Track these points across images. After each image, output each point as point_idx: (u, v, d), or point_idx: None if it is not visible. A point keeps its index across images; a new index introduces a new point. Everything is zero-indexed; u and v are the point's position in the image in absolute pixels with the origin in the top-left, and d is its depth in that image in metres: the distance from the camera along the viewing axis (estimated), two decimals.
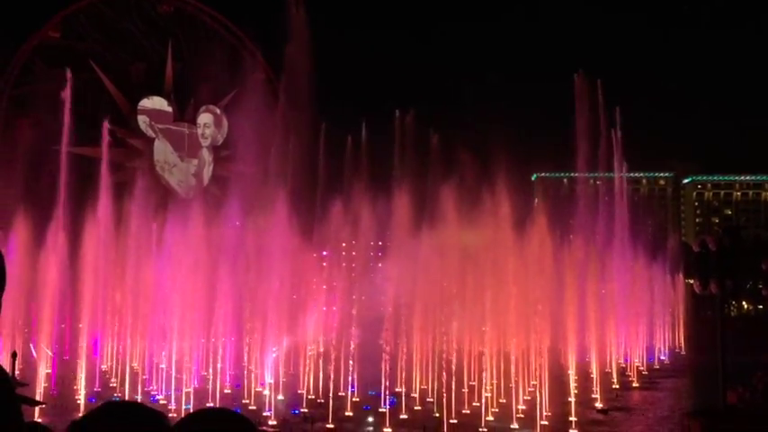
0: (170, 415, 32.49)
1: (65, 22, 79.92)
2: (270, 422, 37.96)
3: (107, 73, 79.61)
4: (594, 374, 52.14)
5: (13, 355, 39.99)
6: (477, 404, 41.27)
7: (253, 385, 46.33)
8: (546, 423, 38.14)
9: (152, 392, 45.90)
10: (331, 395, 40.85)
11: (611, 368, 56.38)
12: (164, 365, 46.53)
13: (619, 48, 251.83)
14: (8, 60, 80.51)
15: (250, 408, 41.40)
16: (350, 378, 44.82)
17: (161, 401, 42.53)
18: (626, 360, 62.81)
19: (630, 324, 71.44)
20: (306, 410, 41.00)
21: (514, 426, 38.52)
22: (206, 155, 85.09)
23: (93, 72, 78.69)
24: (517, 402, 41.24)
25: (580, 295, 71.09)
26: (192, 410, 30.25)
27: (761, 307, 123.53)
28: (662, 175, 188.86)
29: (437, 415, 39.53)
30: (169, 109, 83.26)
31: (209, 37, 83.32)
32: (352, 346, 46.47)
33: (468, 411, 41.11)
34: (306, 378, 47.35)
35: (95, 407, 7.58)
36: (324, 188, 65.08)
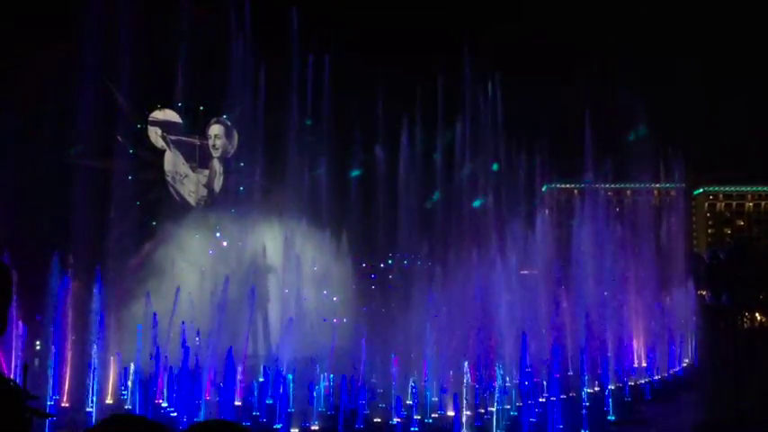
0: None
1: (77, 33, 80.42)
2: None
3: (118, 85, 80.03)
4: (607, 387, 51.74)
5: (25, 368, 39.94)
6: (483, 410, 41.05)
7: None
8: None
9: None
10: None
11: (623, 381, 55.99)
12: None
13: (630, 54, 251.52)
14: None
15: None
16: None
17: None
18: (638, 372, 62.38)
19: (643, 336, 71.10)
20: None
21: None
22: (217, 165, 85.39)
23: (104, 84, 79.11)
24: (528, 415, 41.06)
25: (591, 307, 70.92)
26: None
27: None
28: (673, 185, 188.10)
29: None
30: (180, 120, 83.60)
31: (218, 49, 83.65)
32: None
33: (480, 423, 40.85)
34: None
35: (99, 422, 7.47)
36: None
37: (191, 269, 71.05)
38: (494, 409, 40.25)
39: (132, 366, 47.95)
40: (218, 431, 10.47)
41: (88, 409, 41.89)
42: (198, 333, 51.34)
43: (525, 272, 69.48)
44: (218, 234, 75.01)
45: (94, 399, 43.30)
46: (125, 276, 63.11)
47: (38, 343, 57.52)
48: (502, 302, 61.89)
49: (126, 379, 48.37)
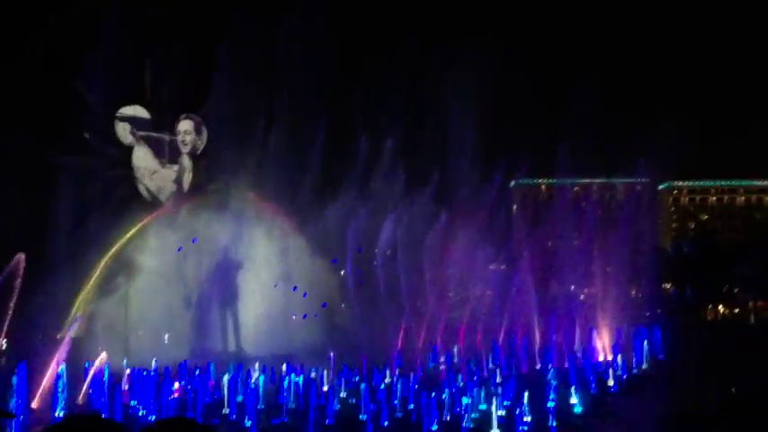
0: None
1: (45, 28, 79.59)
2: None
3: (85, 81, 79.26)
4: (573, 380, 52.44)
5: None
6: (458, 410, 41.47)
7: None
8: (525, 429, 38.39)
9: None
10: None
11: (589, 374, 56.73)
12: None
13: (594, 51, 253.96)
14: None
15: None
16: None
17: None
18: (604, 365, 63.19)
19: (608, 329, 72.05)
20: None
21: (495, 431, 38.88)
22: (186, 161, 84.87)
23: (71, 78, 78.33)
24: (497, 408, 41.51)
25: (559, 300, 71.81)
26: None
27: (737, 311, 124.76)
28: (638, 180, 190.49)
29: None
30: (148, 116, 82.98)
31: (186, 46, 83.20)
32: None
33: (448, 419, 41.25)
34: None
35: (56, 422, 7.59)
36: None
37: (160, 266, 70.74)
38: (464, 404, 40.64)
39: (97, 364, 47.70)
40: (175, 428, 10.62)
41: (57, 412, 41.63)
42: (168, 331, 51.31)
43: (493, 267, 70.22)
44: (194, 240, 74.64)
45: (62, 399, 43.06)
46: (94, 274, 62.73)
47: (3, 342, 57.00)
48: (471, 298, 62.58)
49: (94, 379, 48.03)
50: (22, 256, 47.53)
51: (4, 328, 49.70)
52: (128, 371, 50.76)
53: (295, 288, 65.34)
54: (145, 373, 47.60)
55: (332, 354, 55.17)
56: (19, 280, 47.03)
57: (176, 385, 46.63)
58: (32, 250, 55.75)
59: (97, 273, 67.29)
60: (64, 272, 61.93)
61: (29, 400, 43.00)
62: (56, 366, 44.26)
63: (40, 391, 44.13)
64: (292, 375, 48.50)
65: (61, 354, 45.50)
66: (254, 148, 73.45)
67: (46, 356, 47.79)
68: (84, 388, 46.42)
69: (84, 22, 67.24)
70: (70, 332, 50.59)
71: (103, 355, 49.16)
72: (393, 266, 69.61)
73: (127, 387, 48.63)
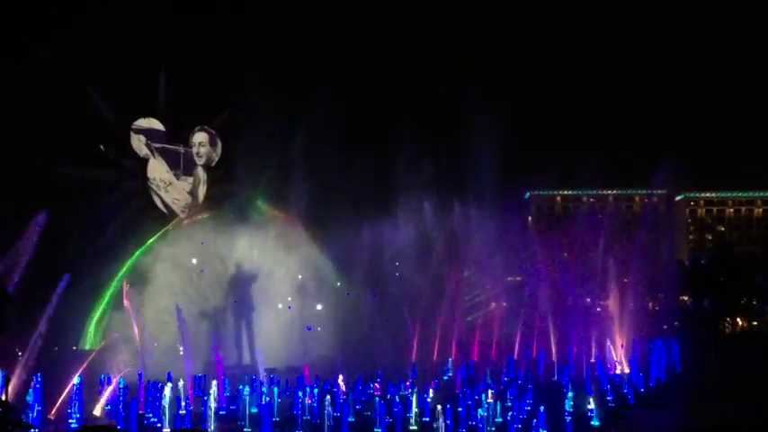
0: None
1: (59, 43, 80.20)
2: None
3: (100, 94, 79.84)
4: (590, 392, 52.03)
5: (7, 380, 39.77)
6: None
7: None
8: None
9: None
10: None
11: (606, 386, 56.30)
12: None
13: (611, 63, 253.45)
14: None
15: None
16: None
17: None
18: (621, 377, 62.66)
19: (625, 341, 71.53)
20: None
21: None
22: (201, 173, 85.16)
23: (86, 92, 78.86)
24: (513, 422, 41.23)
25: (575, 312, 71.37)
26: None
27: (755, 323, 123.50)
28: (655, 192, 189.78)
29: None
30: (163, 128, 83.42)
31: (201, 57, 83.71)
32: None
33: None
34: None
35: None
36: None
37: (175, 278, 70.85)
38: (480, 416, 40.36)
39: (114, 378, 47.80)
40: None
41: (73, 423, 41.72)
42: (184, 342, 51.25)
43: (510, 279, 69.90)
44: (202, 243, 74.71)
45: (78, 411, 43.17)
46: (109, 286, 62.94)
47: (19, 353, 57.19)
48: (487, 311, 62.33)
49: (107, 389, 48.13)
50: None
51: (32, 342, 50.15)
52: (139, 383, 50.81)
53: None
54: (160, 386, 47.60)
55: (345, 366, 55.05)
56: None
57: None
58: (50, 263, 56.05)
59: (113, 285, 67.47)
60: (81, 284, 62.14)
61: (46, 412, 43.15)
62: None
63: (58, 403, 44.27)
64: (307, 388, 48.38)
65: (81, 366, 45.81)
66: (274, 160, 73.60)
67: (63, 368, 47.99)
68: (103, 400, 46.55)
69: (97, 35, 67.68)
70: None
71: (127, 370, 49.39)
72: (409, 279, 69.55)
73: (140, 400, 48.64)
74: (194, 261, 72.50)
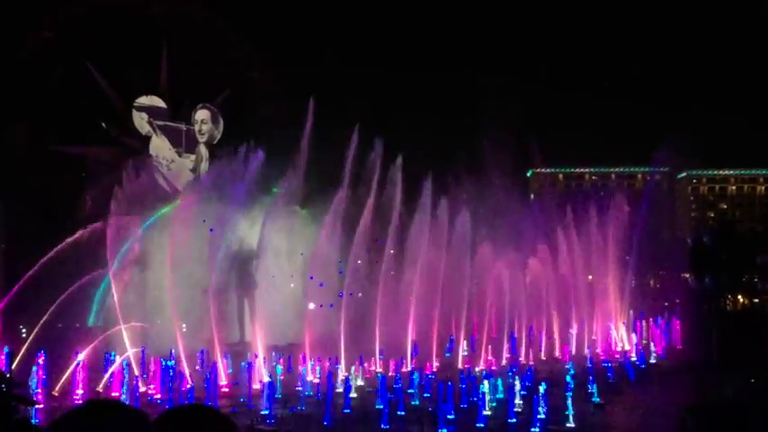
0: None
1: (60, 21, 79.87)
2: None
3: (102, 72, 79.57)
4: (591, 369, 52.32)
5: (11, 355, 40.13)
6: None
7: None
8: (542, 417, 38.25)
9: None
10: None
11: (607, 362, 56.56)
12: None
13: (607, 43, 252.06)
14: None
15: None
16: None
17: None
18: (622, 355, 62.96)
19: (626, 319, 71.73)
20: None
21: (512, 420, 38.88)
22: (203, 150, 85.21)
23: (88, 71, 78.59)
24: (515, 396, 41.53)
25: (576, 289, 71.53)
26: None
27: (756, 301, 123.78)
28: (657, 169, 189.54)
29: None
30: (165, 106, 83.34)
31: (202, 35, 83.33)
32: None
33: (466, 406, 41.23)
34: None
35: (76, 407, 7.57)
36: None
37: (178, 256, 70.80)
38: (482, 392, 40.59)
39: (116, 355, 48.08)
40: (189, 414, 10.64)
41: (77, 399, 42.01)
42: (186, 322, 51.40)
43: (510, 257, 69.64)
44: (204, 220, 74.57)
45: (82, 388, 43.50)
46: (112, 264, 62.85)
47: (23, 329, 57.52)
48: (489, 289, 62.41)
49: (111, 366, 48.41)
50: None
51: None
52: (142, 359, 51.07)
53: (312, 277, 65.32)
54: (163, 363, 47.83)
55: (347, 344, 55.22)
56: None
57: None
58: (52, 240, 56.27)
59: (115, 262, 67.49)
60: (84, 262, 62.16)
61: (50, 388, 43.49)
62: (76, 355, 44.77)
63: (63, 379, 44.59)
64: (309, 364, 48.59)
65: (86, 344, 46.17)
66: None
67: (68, 345, 48.32)
68: (106, 376, 46.85)
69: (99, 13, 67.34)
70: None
71: (134, 350, 49.65)
72: (410, 257, 69.46)
73: (145, 375, 48.92)
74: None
